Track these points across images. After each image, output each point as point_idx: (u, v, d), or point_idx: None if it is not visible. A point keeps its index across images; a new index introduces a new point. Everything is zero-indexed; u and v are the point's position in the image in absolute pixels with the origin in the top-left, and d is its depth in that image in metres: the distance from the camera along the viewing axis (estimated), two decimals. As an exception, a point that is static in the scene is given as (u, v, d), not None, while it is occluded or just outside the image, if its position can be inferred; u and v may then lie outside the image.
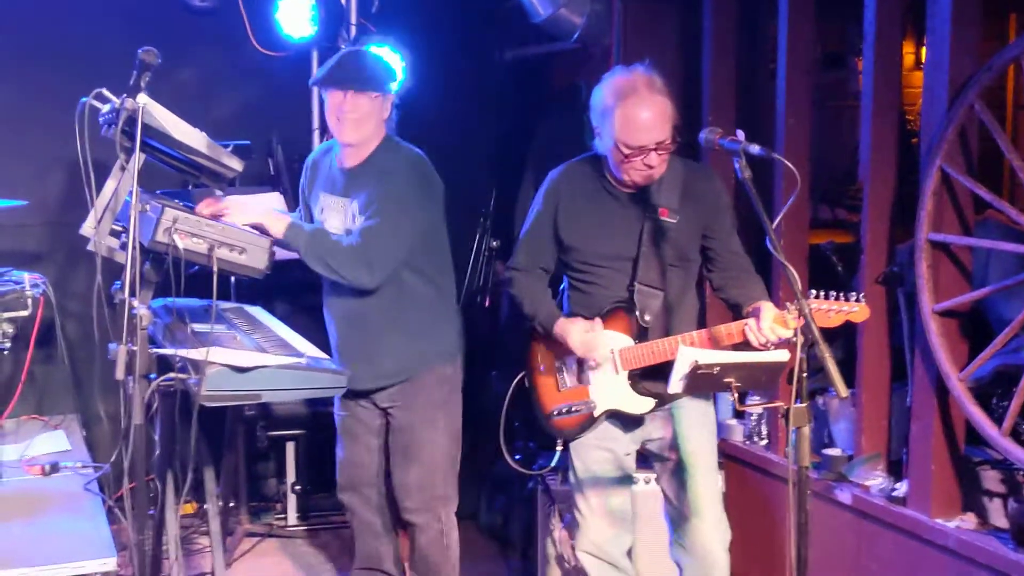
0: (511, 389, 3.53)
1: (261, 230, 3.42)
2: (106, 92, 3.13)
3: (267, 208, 3.58)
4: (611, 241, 3.30)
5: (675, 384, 2.67)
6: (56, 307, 4.17)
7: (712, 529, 3.36)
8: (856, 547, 3.72)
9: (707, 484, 3.37)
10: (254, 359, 3.07)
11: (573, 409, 3.35)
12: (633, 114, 3.09)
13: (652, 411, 3.32)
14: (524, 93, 5.64)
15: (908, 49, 5.54)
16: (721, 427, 4.15)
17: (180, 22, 5.19)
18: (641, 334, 3.26)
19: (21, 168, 4.93)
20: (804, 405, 2.53)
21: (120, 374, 2.97)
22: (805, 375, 2.54)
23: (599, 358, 3.30)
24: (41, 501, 3.72)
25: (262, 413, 4.89)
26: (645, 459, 3.54)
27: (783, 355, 2.72)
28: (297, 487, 5.05)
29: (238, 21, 5.15)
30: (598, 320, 3.30)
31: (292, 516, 5.08)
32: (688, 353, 2.65)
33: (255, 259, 3.18)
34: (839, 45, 5.64)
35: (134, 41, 4.98)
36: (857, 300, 2.97)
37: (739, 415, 4.35)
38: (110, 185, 3.30)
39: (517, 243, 3.53)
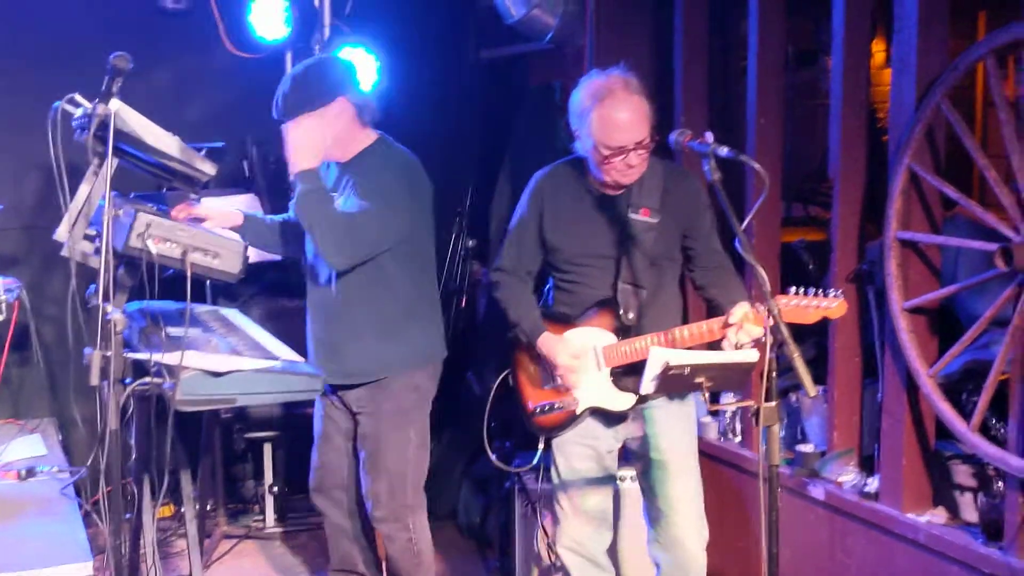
0: (495, 387, 3.55)
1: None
2: (78, 97, 3.12)
3: (302, 138, 3.49)
4: (594, 241, 3.33)
5: (647, 385, 2.69)
6: (31, 311, 4.17)
7: (689, 528, 3.39)
8: (829, 542, 3.76)
9: (685, 483, 3.40)
10: (228, 363, 3.07)
11: (556, 406, 3.38)
12: (611, 115, 3.13)
13: (633, 408, 3.34)
14: (499, 93, 5.67)
15: (879, 47, 5.58)
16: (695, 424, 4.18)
17: (153, 24, 5.19)
18: (624, 332, 3.30)
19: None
20: (774, 404, 2.55)
21: (95, 379, 2.97)
22: (775, 374, 2.56)
23: (575, 385, 3.33)
24: (16, 506, 3.71)
25: (239, 415, 4.89)
26: (628, 457, 3.56)
27: (753, 355, 2.74)
28: (275, 489, 5.06)
29: (211, 23, 5.16)
30: (589, 331, 3.32)
31: (270, 518, 5.08)
32: (659, 354, 2.67)
33: (229, 263, 3.19)
34: (810, 43, 5.67)
35: (107, 44, 4.97)
36: (835, 296, 3.01)
37: (713, 412, 4.38)
38: (83, 190, 3.30)
39: (502, 244, 3.55)
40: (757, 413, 2.55)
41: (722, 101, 4.70)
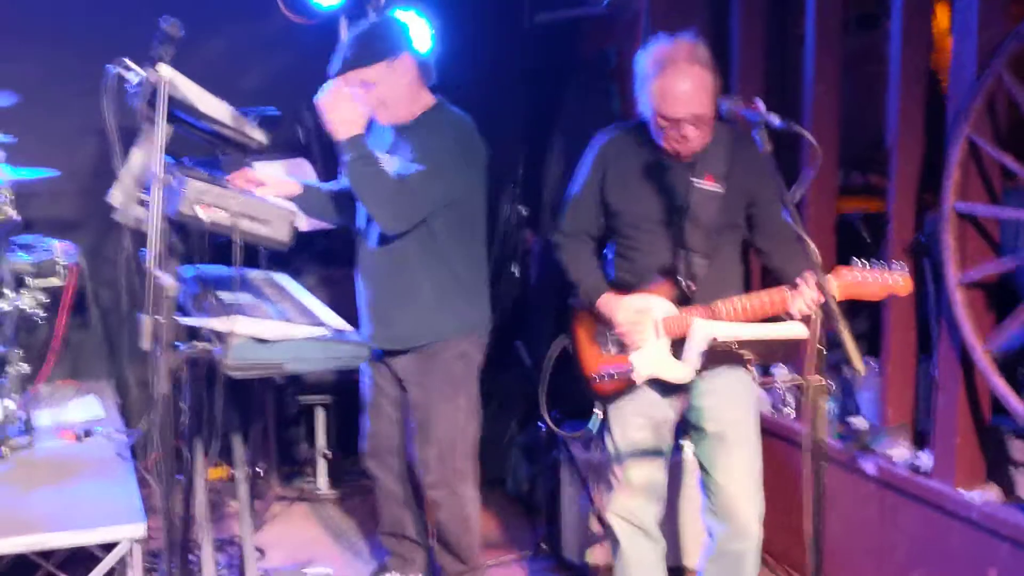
0: (554, 355, 3.52)
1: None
2: (128, 62, 3.13)
3: (345, 114, 3.51)
4: (657, 207, 3.28)
5: (692, 358, 2.67)
6: (88, 275, 4.23)
7: (745, 499, 3.35)
8: (880, 517, 3.72)
9: (741, 455, 3.35)
10: (278, 330, 3.09)
11: (614, 374, 3.34)
12: (669, 85, 3.07)
13: (692, 379, 3.28)
14: (553, 59, 5.61)
15: (944, 11, 5.43)
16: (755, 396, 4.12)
17: (210, -10, 5.21)
18: (684, 301, 3.24)
19: (54, 135, 4.96)
20: (822, 380, 2.52)
21: (146, 344, 3.00)
22: (824, 349, 2.53)
23: (639, 343, 3.27)
24: (74, 466, 3.80)
25: (292, 379, 4.94)
26: (685, 427, 3.52)
27: (801, 329, 2.71)
28: (327, 452, 5.10)
29: (267, -12, 5.16)
30: (650, 299, 3.26)
31: (322, 481, 5.13)
32: (704, 327, 2.65)
33: (278, 231, 3.20)
34: (871, 7, 5.54)
35: (163, 7, 4.96)
36: (901, 272, 2.96)
37: (765, 387, 4.33)
38: (136, 155, 3.33)
39: (563, 207, 3.52)
40: (805, 388, 2.52)
41: (780, 68, 4.61)
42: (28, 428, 4.05)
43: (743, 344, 2.62)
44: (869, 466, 3.72)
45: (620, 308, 3.28)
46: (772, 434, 4.23)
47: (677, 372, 3.26)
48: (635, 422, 3.42)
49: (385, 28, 3.69)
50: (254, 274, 4.07)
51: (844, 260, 3.09)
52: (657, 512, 3.53)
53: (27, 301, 3.96)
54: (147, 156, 3.38)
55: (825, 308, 2.52)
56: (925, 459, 3.54)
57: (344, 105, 3.49)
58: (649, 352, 3.29)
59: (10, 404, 3.97)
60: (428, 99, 3.65)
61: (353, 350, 3.20)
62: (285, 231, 3.22)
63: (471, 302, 3.73)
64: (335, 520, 4.85)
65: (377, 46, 3.57)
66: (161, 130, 3.04)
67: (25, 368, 4.03)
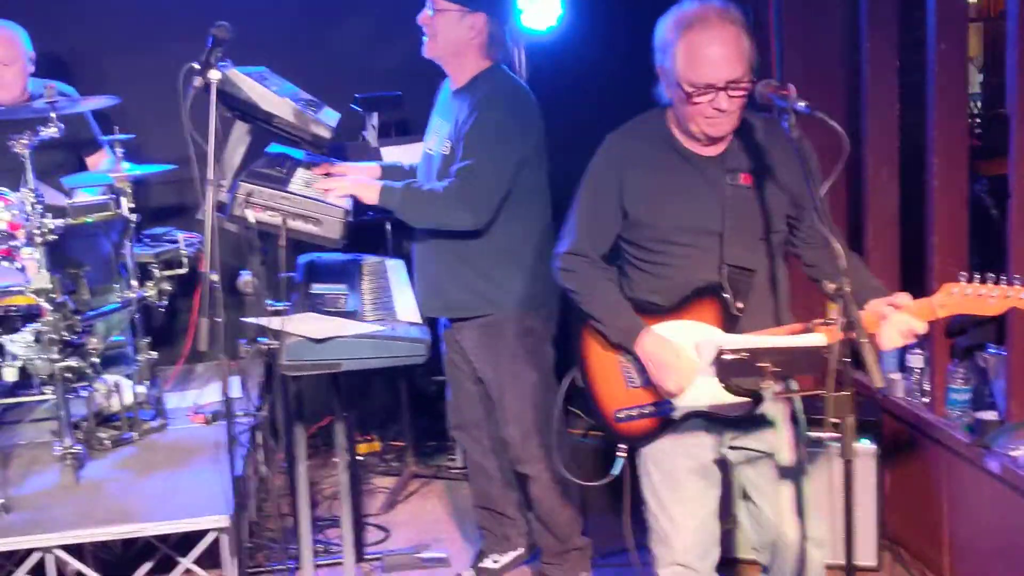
0: (562, 391, 2.99)
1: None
2: (194, 65, 3.17)
3: (357, 179, 3.57)
4: (691, 214, 2.77)
5: (706, 371, 2.48)
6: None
7: (789, 526, 2.91)
8: (1005, 519, 3.37)
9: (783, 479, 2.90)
10: (327, 329, 3.09)
11: (645, 412, 2.83)
12: (699, 44, 2.60)
13: (749, 411, 2.76)
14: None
15: None
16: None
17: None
18: (732, 322, 2.72)
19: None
20: (847, 393, 2.28)
21: (203, 345, 3.08)
22: (848, 360, 2.29)
23: (678, 392, 2.75)
24: (191, 451, 3.94)
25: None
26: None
27: (819, 339, 2.43)
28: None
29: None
30: (694, 325, 2.76)
31: (459, 458, 5.14)
32: (713, 339, 2.44)
33: (329, 229, 3.23)
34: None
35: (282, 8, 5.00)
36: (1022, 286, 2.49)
37: (902, 368, 3.99)
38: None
39: (571, 221, 2.93)
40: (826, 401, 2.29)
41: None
42: (160, 412, 4.25)
43: (756, 355, 2.40)
44: (994, 465, 3.37)
45: (668, 355, 2.73)
46: (903, 421, 3.92)
47: (730, 405, 2.74)
48: (680, 464, 2.89)
49: None
50: (368, 261, 4.10)
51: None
52: (714, 558, 3.00)
53: (152, 291, 4.13)
54: (226, 155, 3.48)
55: (845, 314, 2.27)
56: (1049, 461, 3.18)
57: (346, 181, 3.51)
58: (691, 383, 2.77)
59: (141, 390, 4.18)
60: (484, 64, 3.60)
61: (408, 347, 3.17)
62: (336, 230, 3.23)
63: (529, 275, 3.64)
64: (467, 499, 4.84)
65: None
66: (212, 132, 3.09)
67: (153, 355, 4.23)
